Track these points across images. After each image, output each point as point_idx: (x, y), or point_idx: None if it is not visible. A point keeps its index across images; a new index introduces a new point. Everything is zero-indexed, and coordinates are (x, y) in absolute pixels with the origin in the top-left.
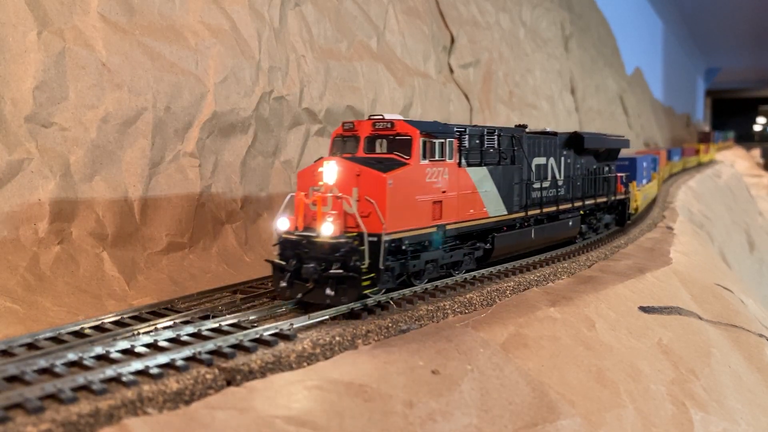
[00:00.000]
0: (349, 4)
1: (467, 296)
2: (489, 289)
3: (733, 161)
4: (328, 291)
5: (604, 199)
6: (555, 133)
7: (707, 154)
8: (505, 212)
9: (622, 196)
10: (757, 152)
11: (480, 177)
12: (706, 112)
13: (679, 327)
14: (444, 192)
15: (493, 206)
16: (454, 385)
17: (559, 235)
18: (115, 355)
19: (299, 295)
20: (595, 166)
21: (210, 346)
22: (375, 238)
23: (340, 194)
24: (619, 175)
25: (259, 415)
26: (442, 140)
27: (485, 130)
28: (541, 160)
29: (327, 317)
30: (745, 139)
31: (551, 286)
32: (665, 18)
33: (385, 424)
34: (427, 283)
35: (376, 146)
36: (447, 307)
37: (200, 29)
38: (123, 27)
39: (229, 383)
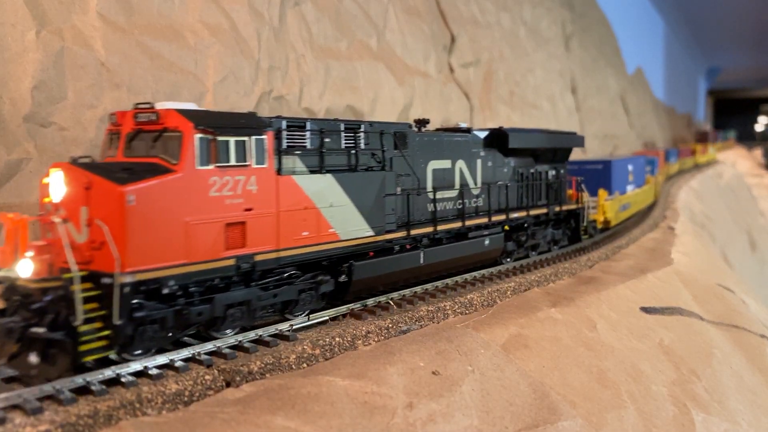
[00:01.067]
0: (348, 3)
1: (468, 297)
2: (490, 289)
3: (734, 161)
4: (32, 358)
5: (544, 211)
6: (468, 130)
7: (705, 155)
8: (371, 233)
9: (574, 207)
10: (758, 152)
11: (320, 187)
12: (708, 111)
13: (680, 327)
14: (249, 210)
15: (348, 226)
16: (454, 386)
17: (467, 258)
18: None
19: (3, 360)
20: (532, 170)
21: (209, 346)
22: (109, 279)
23: (58, 217)
24: (573, 180)
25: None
26: (241, 138)
27: (328, 125)
28: (443, 164)
29: (327, 318)
30: (747, 138)
31: (552, 287)
32: (667, 17)
33: (386, 425)
34: (237, 333)
35: (142, 146)
36: (447, 307)
37: (199, 28)
38: (122, 26)
39: (228, 384)
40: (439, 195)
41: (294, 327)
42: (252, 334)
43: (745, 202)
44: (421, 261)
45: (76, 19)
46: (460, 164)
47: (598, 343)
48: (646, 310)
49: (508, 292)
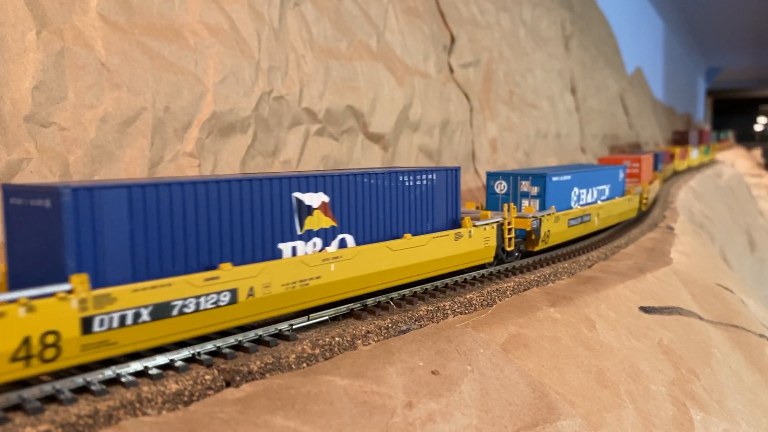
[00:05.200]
0: (348, 3)
1: (467, 296)
2: (489, 289)
3: (733, 161)
4: None
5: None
6: None
7: (684, 160)
8: None
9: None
10: (758, 152)
11: None
12: (707, 111)
13: (679, 327)
14: None
15: None
16: (454, 386)
17: None
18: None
19: None
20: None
21: (209, 346)
22: None
23: None
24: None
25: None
26: None
27: None
28: None
29: (327, 317)
30: (746, 138)
31: (551, 287)
32: (666, 18)
33: (385, 424)
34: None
35: None
36: (447, 307)
37: (199, 29)
38: (122, 27)
39: (228, 384)
40: None
41: (294, 327)
42: (252, 334)
43: (744, 202)
44: None
45: (77, 20)
46: None
47: (597, 343)
48: (645, 309)
49: (508, 292)
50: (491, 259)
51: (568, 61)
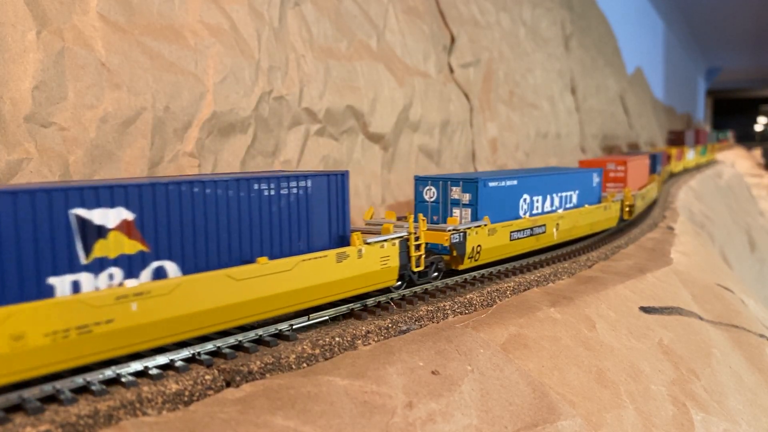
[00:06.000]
0: (348, 3)
1: (467, 296)
2: (489, 289)
3: (734, 161)
4: None
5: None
6: None
7: (681, 161)
8: None
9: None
10: (758, 152)
11: None
12: (707, 112)
13: (679, 327)
14: None
15: None
16: (454, 386)
17: None
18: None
19: None
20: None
21: (209, 346)
22: None
23: None
24: None
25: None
26: None
27: None
28: None
29: (327, 317)
30: (746, 138)
31: (551, 287)
32: (666, 18)
33: (385, 424)
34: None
35: None
36: (447, 307)
37: (199, 29)
38: (122, 27)
39: (228, 384)
40: None
41: (294, 327)
42: (252, 334)
43: (744, 202)
44: None
45: (77, 20)
46: None
47: (597, 343)
48: (646, 309)
49: (508, 292)
50: (394, 282)
51: (568, 61)
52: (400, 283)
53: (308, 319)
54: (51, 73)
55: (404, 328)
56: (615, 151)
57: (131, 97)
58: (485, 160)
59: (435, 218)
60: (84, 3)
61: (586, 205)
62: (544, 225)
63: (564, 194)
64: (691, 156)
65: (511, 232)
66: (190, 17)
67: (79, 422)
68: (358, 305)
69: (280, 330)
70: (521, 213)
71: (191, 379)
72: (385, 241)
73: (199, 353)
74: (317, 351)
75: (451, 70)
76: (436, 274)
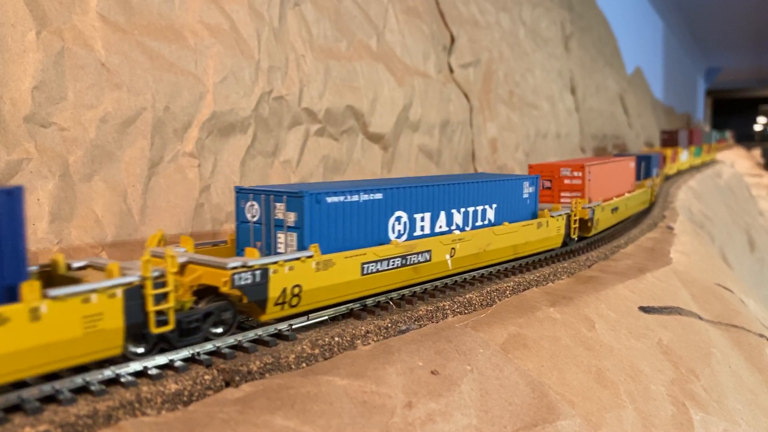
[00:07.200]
0: (348, 3)
1: (467, 296)
2: (489, 289)
3: (733, 161)
4: None
5: None
6: None
7: (675, 163)
8: None
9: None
10: (757, 152)
11: None
12: (707, 111)
13: (679, 327)
14: None
15: None
16: (453, 386)
17: None
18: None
19: None
20: None
21: (209, 346)
22: None
23: None
24: None
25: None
26: None
27: None
28: None
29: (326, 317)
30: (746, 138)
31: (551, 286)
32: (666, 18)
33: (385, 424)
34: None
35: None
36: (446, 307)
37: (199, 29)
38: (122, 27)
39: (227, 384)
40: None
41: (293, 327)
42: (251, 334)
43: (744, 202)
44: None
45: (77, 20)
46: None
47: (596, 343)
48: (645, 309)
49: (507, 292)
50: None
51: (567, 61)
52: (141, 350)
53: (308, 319)
54: (51, 73)
55: (404, 327)
56: (603, 153)
57: (131, 97)
58: (485, 160)
59: (258, 244)
60: (84, 3)
61: (506, 223)
62: (429, 251)
63: (472, 209)
64: (684, 158)
65: (364, 263)
66: (190, 17)
67: (78, 422)
68: (358, 305)
69: (280, 330)
70: (392, 236)
71: (190, 379)
72: (90, 292)
73: (198, 353)
74: (317, 351)
75: (451, 70)
76: (218, 330)
